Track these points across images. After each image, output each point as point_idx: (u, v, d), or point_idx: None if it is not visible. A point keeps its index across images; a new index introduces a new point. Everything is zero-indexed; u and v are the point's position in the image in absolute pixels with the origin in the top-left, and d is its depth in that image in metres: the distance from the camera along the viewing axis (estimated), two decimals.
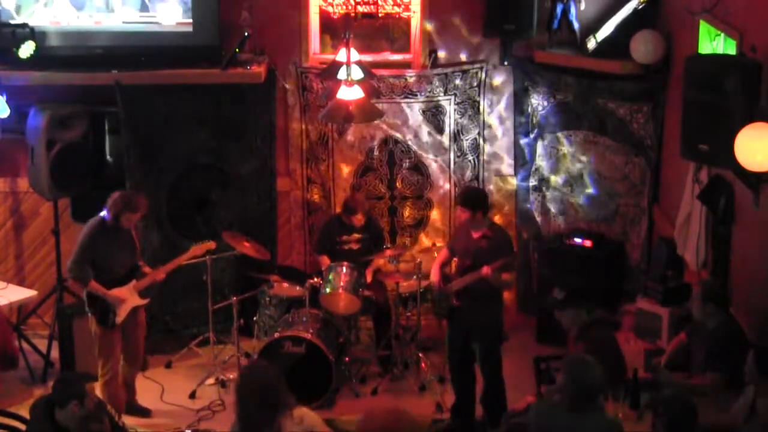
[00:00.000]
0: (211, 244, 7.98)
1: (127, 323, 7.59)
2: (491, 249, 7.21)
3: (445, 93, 9.00)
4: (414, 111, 9.03)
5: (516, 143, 9.11)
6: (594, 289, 8.02)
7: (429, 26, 8.90)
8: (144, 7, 8.50)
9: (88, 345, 8.10)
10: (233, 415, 5.18)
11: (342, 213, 8.66)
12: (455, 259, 7.65)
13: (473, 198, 7.41)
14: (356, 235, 8.61)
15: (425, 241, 9.22)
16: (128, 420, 7.70)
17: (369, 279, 8.44)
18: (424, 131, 9.08)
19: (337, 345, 8.23)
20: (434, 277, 7.55)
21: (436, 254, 8.14)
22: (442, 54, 8.94)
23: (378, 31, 9.17)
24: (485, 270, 7.09)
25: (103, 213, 7.47)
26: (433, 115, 9.05)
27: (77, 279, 7.48)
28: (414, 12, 8.95)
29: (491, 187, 9.13)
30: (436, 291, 7.55)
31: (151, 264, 7.85)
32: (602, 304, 7.29)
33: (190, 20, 8.51)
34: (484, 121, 9.05)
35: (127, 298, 7.53)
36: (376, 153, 9.11)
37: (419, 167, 9.15)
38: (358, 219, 8.53)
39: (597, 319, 6.64)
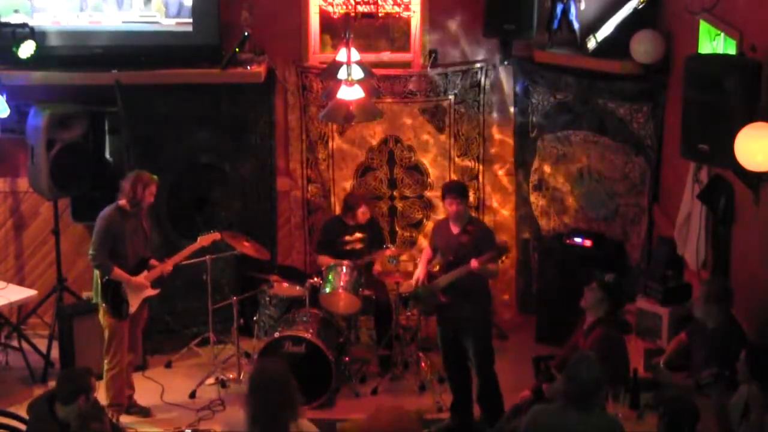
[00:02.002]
0: (217, 235, 8.02)
1: (135, 314, 7.65)
2: (472, 243, 7.25)
3: (445, 93, 9.00)
4: (414, 111, 9.03)
5: (516, 143, 9.11)
6: None
7: (429, 26, 8.90)
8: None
9: (88, 345, 8.13)
10: (230, 413, 5.14)
11: (343, 213, 8.66)
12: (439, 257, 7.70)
13: (460, 187, 7.48)
14: (358, 235, 8.61)
15: (425, 240, 9.21)
16: (128, 419, 7.74)
17: (379, 268, 8.44)
18: (424, 131, 9.08)
19: (337, 345, 8.23)
20: (419, 274, 7.59)
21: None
22: (442, 53, 8.94)
23: (378, 31, 9.17)
24: (473, 263, 7.11)
25: (119, 201, 7.53)
26: (433, 115, 9.05)
27: (101, 267, 7.50)
28: (414, 12, 8.95)
29: (491, 186, 9.16)
30: (419, 287, 7.58)
31: None
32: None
33: (190, 20, 8.52)
34: (484, 120, 9.05)
35: (146, 286, 7.61)
36: (376, 153, 9.11)
37: (419, 167, 9.15)
38: (362, 213, 8.53)
39: (611, 318, 6.64)
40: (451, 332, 7.49)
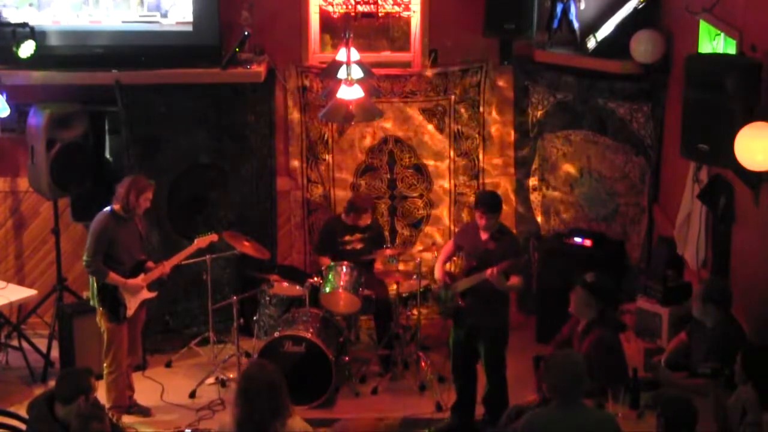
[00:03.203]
0: (214, 237, 8.01)
1: (133, 317, 7.63)
2: (498, 252, 7.20)
3: (445, 92, 9.00)
4: (414, 110, 9.03)
5: (516, 142, 9.11)
6: None
7: (429, 26, 8.90)
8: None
9: (88, 344, 8.12)
10: (226, 415, 5.15)
11: (346, 213, 8.65)
12: (458, 257, 7.65)
13: (493, 202, 7.38)
14: (359, 235, 8.61)
15: (425, 240, 9.21)
16: (128, 419, 7.73)
17: (380, 266, 8.41)
18: (424, 131, 9.08)
19: (337, 344, 8.23)
20: (438, 273, 7.56)
21: (435, 254, 8.14)
22: (442, 53, 8.94)
23: (378, 31, 9.17)
24: (489, 271, 7.08)
25: (113, 206, 7.50)
26: (433, 115, 9.05)
27: (96, 272, 7.46)
28: (414, 11, 8.95)
29: (490, 186, 9.15)
30: (440, 287, 7.55)
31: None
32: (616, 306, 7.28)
33: (191, 20, 8.52)
34: (484, 120, 9.06)
35: (142, 289, 7.59)
36: (376, 152, 9.11)
37: (419, 167, 9.15)
38: (366, 218, 8.53)
39: (606, 318, 6.63)
40: (465, 335, 7.45)
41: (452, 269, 7.63)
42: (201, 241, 7.94)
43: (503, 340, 7.48)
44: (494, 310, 7.31)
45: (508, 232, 7.58)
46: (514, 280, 7.27)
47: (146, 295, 7.67)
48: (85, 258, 7.51)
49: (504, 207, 9.14)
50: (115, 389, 7.60)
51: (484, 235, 7.31)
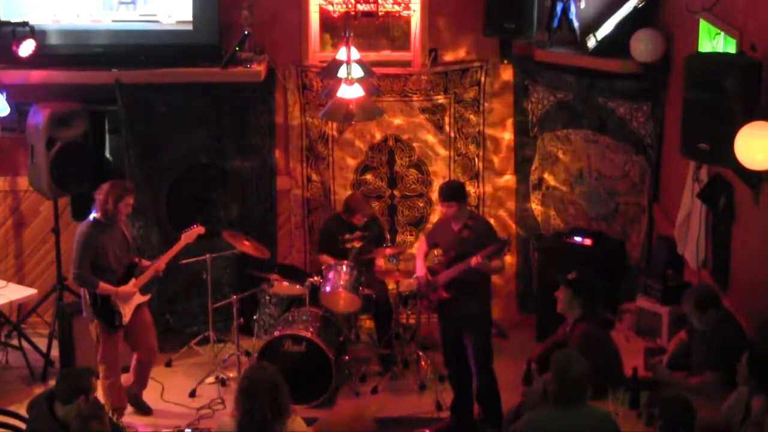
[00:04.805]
0: (201, 229, 7.90)
1: (134, 323, 7.57)
2: (473, 238, 7.28)
3: (445, 91, 9.00)
4: (414, 109, 9.03)
5: (516, 142, 9.11)
6: None
7: (429, 25, 8.90)
8: None
9: (88, 344, 8.11)
10: (225, 415, 5.15)
11: (343, 212, 8.67)
12: (436, 251, 7.69)
13: (454, 191, 7.47)
14: (358, 233, 8.62)
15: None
16: (128, 419, 7.72)
17: (381, 264, 8.43)
18: (424, 130, 9.08)
19: (337, 344, 8.23)
20: (420, 271, 7.60)
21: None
22: (441, 52, 8.94)
23: (378, 30, 9.17)
24: (474, 260, 7.13)
25: (94, 214, 7.42)
26: (433, 114, 9.05)
27: (86, 284, 7.38)
28: (414, 10, 8.95)
29: (491, 186, 9.16)
30: (422, 284, 7.58)
31: None
32: (602, 302, 7.29)
33: (191, 19, 8.52)
34: (483, 119, 9.05)
35: (134, 294, 7.55)
36: (376, 151, 9.11)
37: (419, 166, 9.15)
38: (358, 219, 8.56)
39: (592, 315, 6.65)
40: (451, 329, 7.50)
41: (434, 265, 7.67)
42: (187, 236, 7.83)
43: (488, 328, 7.54)
44: (476, 299, 7.38)
45: (480, 218, 7.69)
46: (496, 262, 7.37)
47: (139, 299, 7.60)
48: (73, 271, 7.42)
49: (504, 206, 9.21)
50: (111, 394, 7.54)
51: (456, 226, 7.38)
